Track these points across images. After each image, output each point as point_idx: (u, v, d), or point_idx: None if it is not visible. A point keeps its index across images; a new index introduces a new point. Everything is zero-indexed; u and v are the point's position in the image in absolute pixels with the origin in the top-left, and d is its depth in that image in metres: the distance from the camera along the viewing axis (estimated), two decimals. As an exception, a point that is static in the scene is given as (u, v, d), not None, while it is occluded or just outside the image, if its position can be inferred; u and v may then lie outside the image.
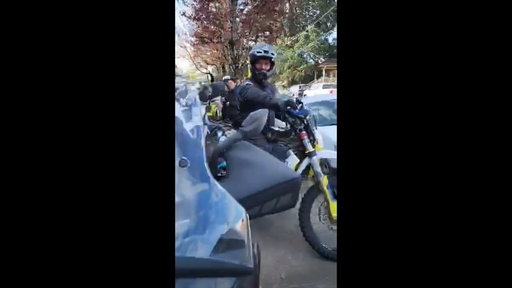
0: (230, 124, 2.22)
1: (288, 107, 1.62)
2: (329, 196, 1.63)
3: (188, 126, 3.12)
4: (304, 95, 12.06)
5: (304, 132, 1.68)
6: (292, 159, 1.74)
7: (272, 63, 1.95)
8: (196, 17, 9.01)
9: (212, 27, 9.09)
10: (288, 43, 20.99)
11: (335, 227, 1.71)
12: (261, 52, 1.87)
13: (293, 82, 19.60)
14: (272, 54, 1.89)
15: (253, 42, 10.32)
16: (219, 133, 2.31)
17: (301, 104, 1.64)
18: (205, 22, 9.07)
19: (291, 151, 1.77)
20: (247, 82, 1.93)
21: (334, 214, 1.63)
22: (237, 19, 9.14)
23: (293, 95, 12.77)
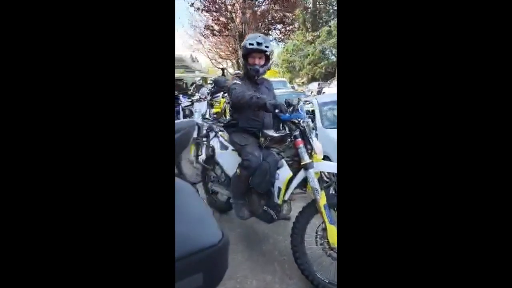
0: (221, 125, 1.99)
1: (277, 111, 1.34)
2: (326, 218, 1.34)
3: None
4: (323, 92, 11.55)
5: (299, 139, 1.40)
6: (284, 171, 1.47)
7: (267, 57, 1.67)
8: (204, 9, 8.73)
9: (223, 18, 8.75)
10: (310, 38, 20.29)
11: (334, 254, 1.42)
12: (253, 45, 1.58)
13: (313, 79, 18.93)
14: (267, 47, 1.59)
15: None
16: (211, 134, 2.09)
17: (292, 107, 1.34)
18: (214, 13, 8.76)
19: (284, 161, 1.50)
20: (235, 81, 1.66)
21: (333, 240, 1.34)
22: (248, 11, 8.74)
23: (312, 92, 12.28)
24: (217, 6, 8.51)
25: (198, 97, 3.79)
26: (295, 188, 1.51)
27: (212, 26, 9.09)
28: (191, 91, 6.46)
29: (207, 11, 8.75)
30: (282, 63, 23.23)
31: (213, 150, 1.94)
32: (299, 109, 1.37)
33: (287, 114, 1.34)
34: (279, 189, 1.48)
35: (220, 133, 1.96)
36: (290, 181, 1.45)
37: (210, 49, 10.29)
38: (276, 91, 6.99)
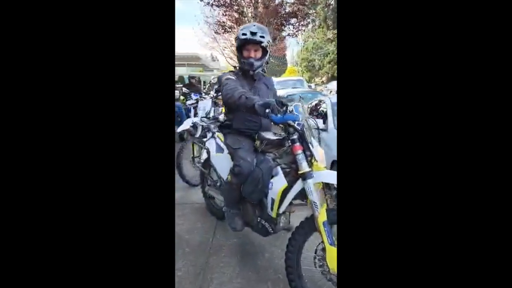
0: (218, 125, 1.83)
1: (267, 111, 1.14)
2: (326, 238, 1.14)
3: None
4: (342, 92, 11.06)
5: (297, 144, 1.20)
6: (279, 181, 1.28)
7: (265, 50, 1.47)
8: (215, 3, 8.52)
9: (235, 14, 8.49)
10: (330, 36, 19.67)
11: (335, 279, 1.21)
12: (246, 35, 1.39)
13: (332, 78, 18.37)
14: (262, 36, 1.39)
15: (278, 31, 9.30)
16: (209, 135, 1.94)
17: (285, 107, 1.14)
18: (225, 8, 8.53)
19: (279, 169, 1.30)
20: (227, 76, 1.48)
21: (332, 265, 1.14)
22: (260, 5, 8.40)
23: (331, 92, 11.86)
24: (228, 1, 8.32)
25: (212, 95, 3.70)
26: (293, 199, 1.31)
27: (224, 22, 8.91)
28: (206, 89, 6.43)
29: (217, 6, 8.57)
30: (301, 61, 22.78)
31: (208, 152, 1.79)
32: (294, 110, 1.17)
33: (279, 115, 1.14)
34: (273, 200, 1.29)
35: (217, 133, 1.81)
36: (286, 192, 1.26)
37: (225, 47, 10.09)
38: (292, 90, 6.69)
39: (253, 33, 1.38)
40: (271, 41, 1.46)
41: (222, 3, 8.65)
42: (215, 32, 9.53)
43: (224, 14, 8.99)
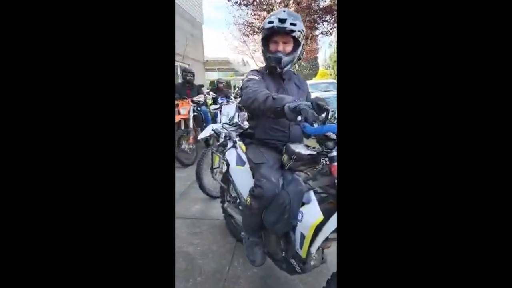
0: (239, 133, 1.58)
1: (299, 119, 0.84)
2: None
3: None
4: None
5: (337, 164, 0.89)
6: (312, 212, 0.96)
7: (297, 41, 1.16)
8: (243, 3, 8.29)
9: (264, 13, 8.21)
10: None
11: None
12: (273, 23, 1.09)
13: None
14: (293, 24, 1.08)
15: (310, 30, 8.71)
16: (229, 144, 1.69)
17: (325, 113, 0.82)
18: (253, 7, 8.27)
19: (312, 194, 0.99)
20: (249, 77, 1.21)
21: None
22: (291, 2, 7.99)
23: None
24: (257, 0, 8.08)
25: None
26: (331, 233, 0.99)
27: (252, 23, 8.68)
28: (234, 93, 6.32)
29: (245, 5, 8.37)
30: (333, 64, 21.88)
31: (228, 164, 1.54)
32: (333, 119, 0.85)
33: (316, 125, 0.83)
34: (303, 236, 0.99)
35: (238, 143, 1.56)
36: (320, 226, 0.95)
37: (255, 50, 9.84)
38: (325, 93, 6.25)
39: (282, 20, 1.09)
40: (304, 30, 1.16)
41: (250, 1, 8.48)
42: (243, 34, 9.39)
43: (253, 14, 8.81)
